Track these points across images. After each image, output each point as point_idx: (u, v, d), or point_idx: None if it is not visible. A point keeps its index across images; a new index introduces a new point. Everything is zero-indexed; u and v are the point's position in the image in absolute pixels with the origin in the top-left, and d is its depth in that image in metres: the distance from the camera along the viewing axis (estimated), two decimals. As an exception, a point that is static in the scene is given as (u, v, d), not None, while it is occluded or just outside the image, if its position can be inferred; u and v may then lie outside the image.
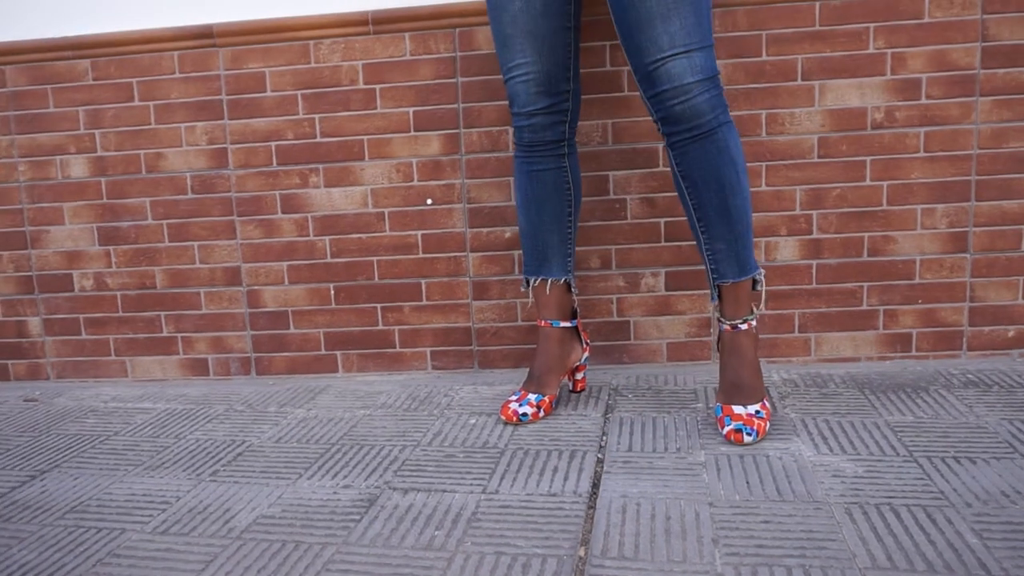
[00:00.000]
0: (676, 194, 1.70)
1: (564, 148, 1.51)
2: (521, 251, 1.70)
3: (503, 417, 1.49)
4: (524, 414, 1.48)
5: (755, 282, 1.43)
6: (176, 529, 1.15)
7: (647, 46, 1.30)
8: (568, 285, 1.55)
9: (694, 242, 1.71)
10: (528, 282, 1.57)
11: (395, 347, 1.83)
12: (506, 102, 1.71)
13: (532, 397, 1.51)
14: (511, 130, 1.72)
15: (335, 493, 1.24)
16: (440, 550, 1.05)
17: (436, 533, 1.09)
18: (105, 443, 1.53)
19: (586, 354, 1.60)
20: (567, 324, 1.55)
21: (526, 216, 1.53)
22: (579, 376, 1.62)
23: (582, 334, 1.59)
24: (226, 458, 1.41)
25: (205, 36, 1.74)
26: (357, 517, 1.15)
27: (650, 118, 1.68)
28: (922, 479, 1.17)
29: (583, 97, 1.69)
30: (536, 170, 1.50)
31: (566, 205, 1.53)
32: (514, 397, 1.52)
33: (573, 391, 1.63)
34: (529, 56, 1.43)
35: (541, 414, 1.50)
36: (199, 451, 1.45)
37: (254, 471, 1.35)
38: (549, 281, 1.54)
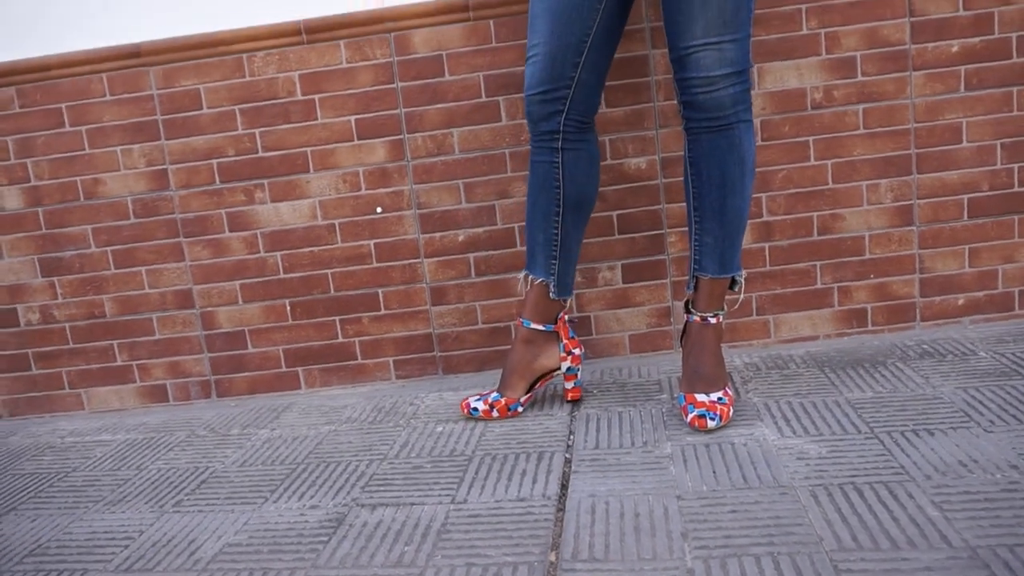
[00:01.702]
0: (625, 187, 1.71)
1: (557, 142, 1.41)
2: (477, 254, 1.70)
3: (461, 410, 1.55)
4: (474, 409, 1.52)
5: (734, 281, 1.44)
6: (140, 565, 1.13)
7: (682, 30, 1.30)
8: (548, 288, 1.48)
9: (648, 233, 1.72)
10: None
11: (357, 359, 1.81)
12: (447, 104, 1.69)
13: (491, 396, 1.52)
14: (456, 132, 1.70)
15: (302, 515, 1.22)
16: (410, 566, 1.04)
17: (406, 549, 1.08)
18: (63, 480, 1.49)
19: (567, 363, 1.50)
20: (539, 327, 1.49)
21: (526, 206, 1.49)
22: (568, 385, 1.53)
23: (565, 341, 1.50)
24: (189, 487, 1.38)
25: (133, 56, 1.69)
26: (325, 538, 1.14)
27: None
28: (883, 455, 1.18)
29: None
30: (534, 160, 1.45)
31: (553, 204, 1.44)
32: (479, 394, 1.56)
33: (566, 400, 1.55)
34: (542, 36, 1.35)
35: (494, 414, 1.51)
36: (161, 481, 1.42)
37: (219, 498, 1.32)
38: (530, 278, 1.49)
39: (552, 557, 1.02)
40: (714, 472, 1.20)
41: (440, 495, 1.23)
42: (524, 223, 1.50)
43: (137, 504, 1.34)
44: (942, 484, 1.08)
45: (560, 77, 1.37)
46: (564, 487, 1.21)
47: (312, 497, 1.28)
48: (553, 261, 1.47)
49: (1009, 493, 1.03)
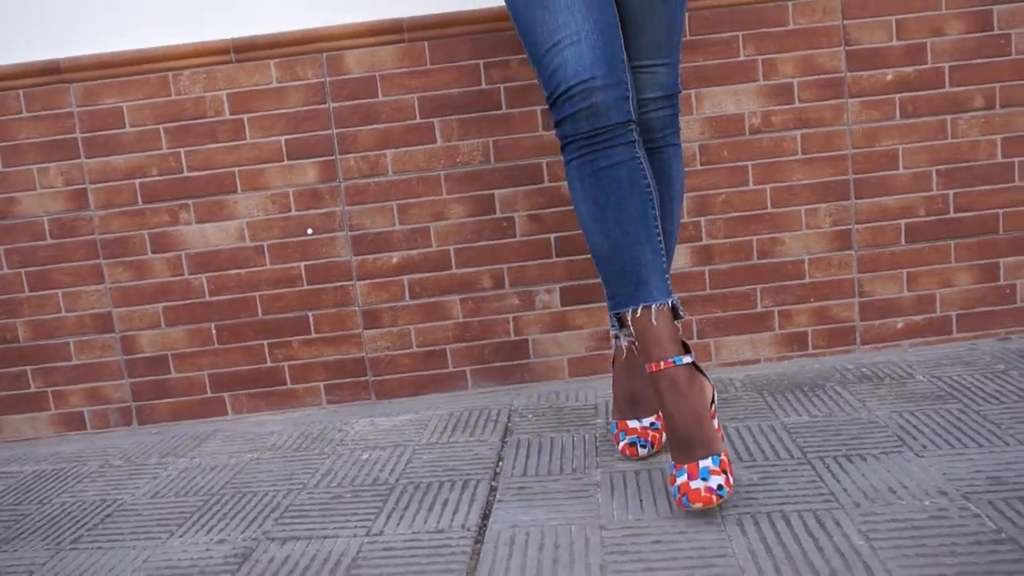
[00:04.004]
0: (563, 210, 1.67)
1: (634, 132, 1.15)
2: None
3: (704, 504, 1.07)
4: (720, 487, 1.07)
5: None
6: (23, 608, 1.05)
7: None
8: (676, 310, 1.20)
9: (586, 255, 1.69)
10: (619, 321, 1.22)
11: (286, 384, 1.74)
12: (381, 125, 1.65)
13: (710, 461, 1.10)
14: (390, 154, 1.66)
15: (208, 550, 1.15)
16: (314, 605, 0.97)
17: (312, 586, 1.02)
18: (-40, 516, 1.40)
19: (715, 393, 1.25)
20: (689, 359, 1.16)
21: (602, 231, 1.16)
22: None
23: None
24: (92, 521, 1.30)
25: (52, 72, 1.63)
26: (228, 576, 1.07)
27: (532, 134, 1.66)
28: (814, 481, 1.15)
29: (473, 115, 1.66)
30: (605, 167, 1.14)
31: (649, 207, 1.16)
32: (681, 478, 1.10)
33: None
34: (578, 14, 1.11)
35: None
36: (63, 516, 1.34)
37: (122, 533, 1.24)
38: (653, 308, 1.16)
39: (464, 592, 0.97)
40: (641, 501, 1.15)
41: (356, 527, 1.17)
42: (601, 257, 1.19)
43: (32, 542, 1.25)
44: (870, 512, 1.04)
45: (614, 59, 1.13)
46: (486, 517, 1.16)
47: (222, 531, 1.21)
48: (667, 276, 1.19)
49: (936, 520, 1.00)
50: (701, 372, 1.20)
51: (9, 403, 1.75)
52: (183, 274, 1.70)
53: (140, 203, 1.68)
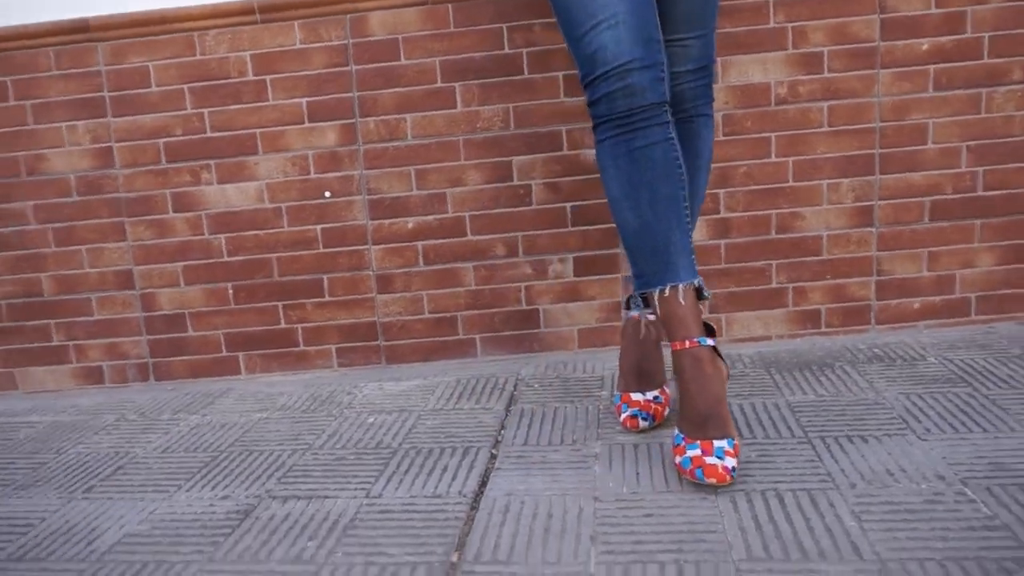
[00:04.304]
0: (581, 178, 1.66)
1: (667, 113, 1.17)
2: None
3: (718, 481, 1.08)
4: (733, 468, 1.09)
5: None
6: (33, 554, 1.09)
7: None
8: (700, 291, 1.21)
9: (602, 226, 1.68)
10: (644, 301, 1.27)
11: (299, 346, 1.76)
12: (401, 89, 1.65)
13: (725, 443, 1.13)
14: (410, 118, 1.66)
15: (211, 505, 1.18)
16: (308, 563, 1.00)
17: (308, 544, 1.04)
18: (-17, 462, 1.45)
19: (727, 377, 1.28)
20: (712, 341, 1.20)
21: (634, 210, 1.18)
22: None
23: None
24: (104, 472, 1.34)
25: (81, 30, 1.64)
26: (228, 531, 1.10)
27: (553, 100, 1.64)
28: (812, 461, 1.14)
29: (494, 80, 1.65)
30: (640, 147, 1.16)
31: (680, 188, 1.18)
32: (694, 451, 1.12)
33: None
34: None
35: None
36: (77, 466, 1.38)
37: (132, 485, 1.28)
38: (680, 288, 1.18)
39: (454, 558, 0.98)
40: (637, 473, 1.16)
41: (356, 489, 1.19)
42: (630, 236, 1.21)
43: (47, 490, 1.30)
44: (865, 493, 1.04)
45: (651, 40, 1.14)
46: (483, 484, 1.17)
47: (226, 487, 1.24)
48: (693, 256, 1.21)
49: (931, 504, 0.99)
50: (719, 355, 1.22)
51: (33, 355, 1.80)
52: (203, 234, 1.72)
53: (163, 162, 1.70)
